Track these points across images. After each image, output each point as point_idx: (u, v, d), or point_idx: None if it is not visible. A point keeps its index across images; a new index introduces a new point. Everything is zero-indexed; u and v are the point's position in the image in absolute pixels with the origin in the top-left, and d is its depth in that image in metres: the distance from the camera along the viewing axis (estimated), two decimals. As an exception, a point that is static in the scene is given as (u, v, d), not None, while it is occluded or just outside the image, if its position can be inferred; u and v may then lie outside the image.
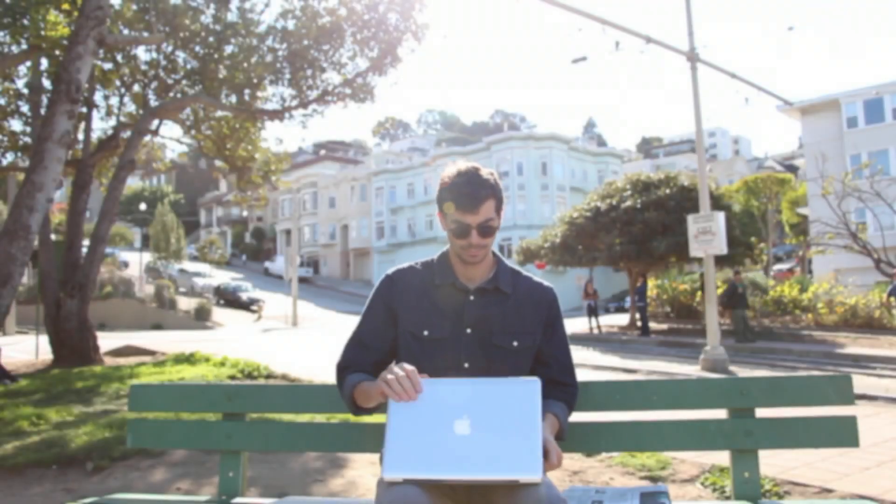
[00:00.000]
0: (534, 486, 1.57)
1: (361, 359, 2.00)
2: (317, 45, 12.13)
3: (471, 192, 1.85)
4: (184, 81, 12.97)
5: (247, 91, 12.59)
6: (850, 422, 2.07)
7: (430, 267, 2.03)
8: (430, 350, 1.92)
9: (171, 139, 15.75)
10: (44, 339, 11.49)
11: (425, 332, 1.93)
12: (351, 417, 2.06)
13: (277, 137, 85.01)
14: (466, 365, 1.90)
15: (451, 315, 1.94)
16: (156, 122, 12.85)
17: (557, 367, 2.00)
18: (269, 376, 8.49)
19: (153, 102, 12.80)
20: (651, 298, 21.41)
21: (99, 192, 15.13)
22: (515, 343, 1.93)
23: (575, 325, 21.97)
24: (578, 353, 15.24)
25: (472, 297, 1.96)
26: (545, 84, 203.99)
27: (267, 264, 56.64)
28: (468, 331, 1.93)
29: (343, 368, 2.01)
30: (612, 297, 39.60)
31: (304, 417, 4.58)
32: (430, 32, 12.20)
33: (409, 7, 11.88)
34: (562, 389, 1.99)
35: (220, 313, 34.13)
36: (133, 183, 63.52)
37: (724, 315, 16.71)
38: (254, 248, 66.72)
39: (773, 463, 3.93)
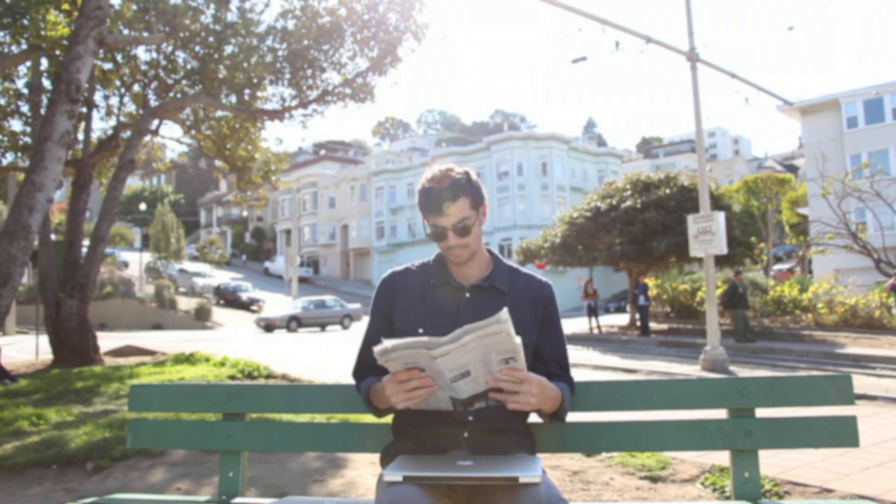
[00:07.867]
0: (534, 485, 1.57)
1: (373, 361, 2.01)
2: (317, 45, 12.13)
3: (435, 195, 1.87)
4: (184, 81, 12.96)
5: (247, 91, 12.58)
6: (850, 422, 2.06)
7: (425, 267, 2.05)
8: None
9: (171, 139, 15.74)
10: (44, 339, 11.49)
11: (420, 331, 1.94)
12: (351, 417, 2.06)
13: (277, 137, 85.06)
14: None
15: (448, 313, 1.95)
16: (156, 122, 12.84)
17: (553, 364, 2.00)
18: (269, 376, 8.50)
19: (153, 102, 12.79)
20: (650, 298, 21.41)
21: (99, 192, 15.12)
22: None
23: (575, 325, 21.98)
24: (578, 353, 15.24)
25: (467, 295, 1.97)
26: (545, 84, 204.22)
27: (267, 264, 56.72)
28: None
29: (358, 374, 2.05)
30: (612, 297, 39.65)
31: (304, 417, 4.58)
32: (430, 32, 12.23)
33: (409, 7, 11.88)
34: (560, 378, 1.99)
35: (220, 313, 34.16)
36: (133, 183, 63.54)
37: (724, 315, 16.70)
38: (254, 248, 66.71)
39: (773, 463, 3.93)
